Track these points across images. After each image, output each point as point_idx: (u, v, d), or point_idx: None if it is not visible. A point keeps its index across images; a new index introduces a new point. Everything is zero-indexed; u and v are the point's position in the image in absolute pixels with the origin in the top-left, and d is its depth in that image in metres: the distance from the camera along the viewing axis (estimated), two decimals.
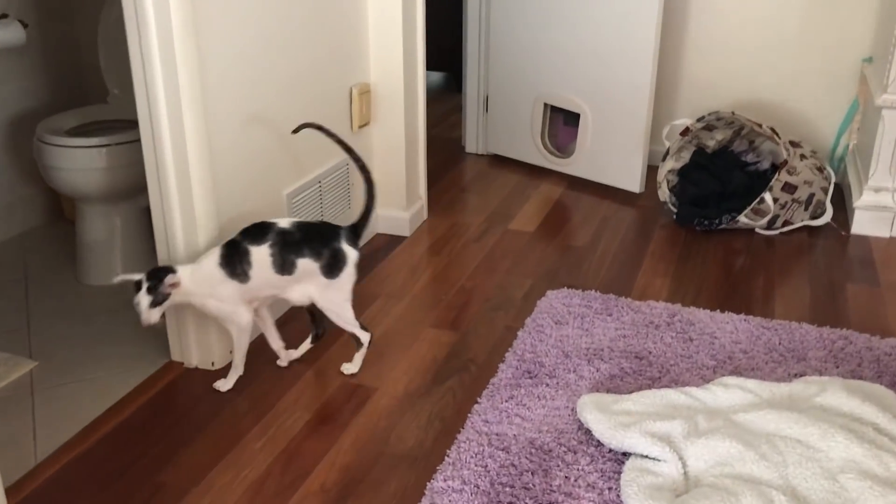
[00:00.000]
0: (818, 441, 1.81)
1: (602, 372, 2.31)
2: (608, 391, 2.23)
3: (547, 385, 2.26)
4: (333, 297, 2.27)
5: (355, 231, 2.28)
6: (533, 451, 1.99)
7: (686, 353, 2.41)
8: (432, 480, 1.92)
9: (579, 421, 2.08)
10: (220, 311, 2.18)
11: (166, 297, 2.05)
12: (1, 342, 2.57)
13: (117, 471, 1.99)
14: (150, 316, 2.03)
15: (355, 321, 2.33)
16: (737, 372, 2.32)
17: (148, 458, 2.04)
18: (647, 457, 1.88)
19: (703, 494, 1.70)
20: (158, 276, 2.04)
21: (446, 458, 1.99)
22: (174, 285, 2.06)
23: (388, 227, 3.36)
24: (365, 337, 2.37)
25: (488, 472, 1.92)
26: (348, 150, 2.29)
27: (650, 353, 2.41)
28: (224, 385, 2.30)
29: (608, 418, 1.99)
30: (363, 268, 3.04)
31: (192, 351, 2.41)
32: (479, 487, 1.87)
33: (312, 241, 2.19)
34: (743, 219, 3.32)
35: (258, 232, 2.15)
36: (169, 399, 2.26)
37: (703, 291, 2.86)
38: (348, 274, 2.25)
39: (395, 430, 2.14)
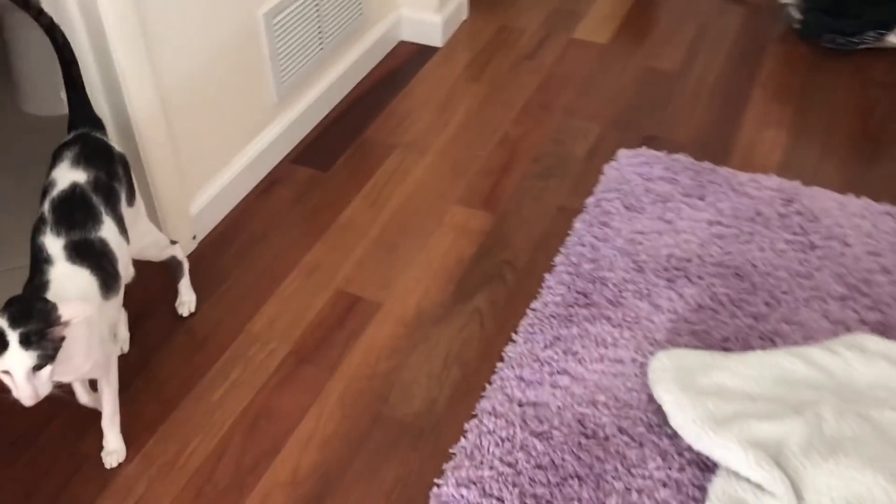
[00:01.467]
0: None
1: (687, 300, 1.68)
2: (693, 334, 1.62)
3: (608, 320, 1.65)
4: (143, 220, 1.55)
5: (95, 118, 1.49)
6: (583, 440, 1.44)
7: (805, 270, 1.75)
8: (440, 482, 1.40)
9: (649, 385, 1.51)
10: (103, 354, 1.35)
11: (59, 346, 1.17)
12: None
13: (28, 436, 1.52)
14: (39, 388, 1.16)
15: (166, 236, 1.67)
16: (875, 307, 1.67)
17: (67, 414, 1.55)
18: (745, 478, 1.32)
19: None
20: (39, 310, 1.15)
21: (462, 440, 1.46)
22: (67, 324, 1.17)
23: (415, 33, 2.57)
24: (181, 253, 1.70)
25: (519, 474, 1.39)
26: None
27: (755, 267, 1.76)
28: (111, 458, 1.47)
29: (693, 403, 1.41)
30: (379, 100, 2.33)
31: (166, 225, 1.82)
32: (502, 503, 1.35)
33: (102, 164, 1.40)
34: (893, 38, 2.44)
35: (69, 209, 1.32)
36: None
37: (831, 154, 2.11)
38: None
39: (398, 378, 1.60)
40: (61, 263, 1.27)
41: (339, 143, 2.18)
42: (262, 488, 1.42)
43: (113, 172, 1.42)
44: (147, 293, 1.73)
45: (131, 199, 1.47)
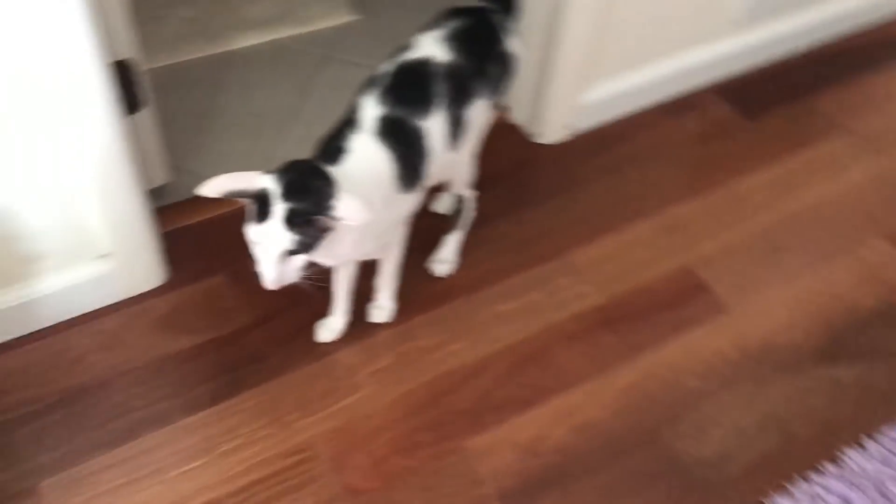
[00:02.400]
0: None
1: None
2: None
3: None
4: (474, 136, 1.26)
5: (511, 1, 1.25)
6: None
7: None
8: None
9: None
10: (378, 245, 1.20)
11: (322, 237, 0.99)
12: None
13: None
14: (286, 274, 0.99)
15: None
16: None
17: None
18: None
19: None
20: (317, 191, 0.97)
21: None
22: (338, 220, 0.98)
23: None
24: (473, 201, 1.39)
25: None
26: None
27: None
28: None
29: None
30: (856, 66, 1.85)
31: (546, 103, 1.63)
32: None
33: (477, 56, 1.17)
34: None
35: (408, 81, 1.12)
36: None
37: None
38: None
39: (701, 406, 1.28)
40: (368, 135, 1.08)
41: (781, 95, 1.76)
42: (495, 435, 1.23)
43: (483, 69, 1.18)
44: (495, 164, 1.55)
45: (491, 105, 1.23)
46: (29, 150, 1.12)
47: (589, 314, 1.38)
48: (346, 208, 0.96)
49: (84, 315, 1.33)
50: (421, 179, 1.14)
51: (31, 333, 1.30)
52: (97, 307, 1.33)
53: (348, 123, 1.09)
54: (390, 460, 1.21)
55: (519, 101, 1.62)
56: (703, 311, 1.39)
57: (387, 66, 1.14)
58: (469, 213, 1.41)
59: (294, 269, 0.99)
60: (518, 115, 1.64)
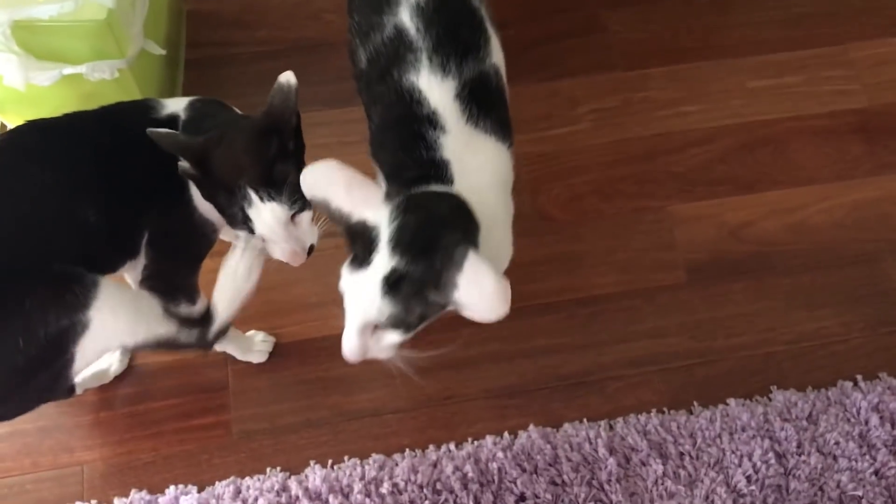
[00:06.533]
0: None
1: None
2: None
3: None
4: None
5: None
6: None
7: None
8: None
9: None
10: None
11: (428, 317, 0.70)
12: None
13: None
14: (369, 350, 0.70)
15: None
16: None
17: None
18: None
19: None
20: (440, 251, 0.65)
21: None
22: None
23: None
24: None
25: None
26: None
27: None
28: None
29: None
30: None
31: None
32: None
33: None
34: None
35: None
36: None
37: None
38: None
39: None
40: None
41: None
42: (702, 208, 1.16)
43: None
44: None
45: None
46: None
47: (846, 115, 1.23)
48: (478, 293, 0.62)
49: None
50: None
51: None
52: None
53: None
54: (587, 199, 1.17)
55: None
56: None
57: None
58: None
59: (384, 348, 0.70)
60: None
